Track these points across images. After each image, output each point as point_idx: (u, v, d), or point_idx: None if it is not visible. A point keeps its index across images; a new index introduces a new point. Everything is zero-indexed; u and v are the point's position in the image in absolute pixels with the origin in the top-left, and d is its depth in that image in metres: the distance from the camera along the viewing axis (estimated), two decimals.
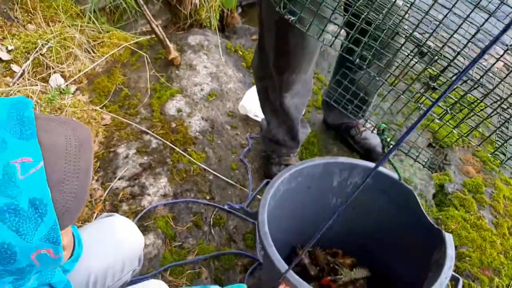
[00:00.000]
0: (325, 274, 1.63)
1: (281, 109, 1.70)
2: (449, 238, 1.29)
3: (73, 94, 2.33)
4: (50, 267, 0.79)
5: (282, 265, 1.13)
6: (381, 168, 1.46)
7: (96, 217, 1.72)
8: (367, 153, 2.11)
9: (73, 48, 2.53)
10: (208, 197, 1.87)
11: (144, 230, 1.70)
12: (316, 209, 1.58)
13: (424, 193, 2.03)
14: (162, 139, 2.06)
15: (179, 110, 2.24)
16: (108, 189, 1.83)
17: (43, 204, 0.67)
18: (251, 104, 2.22)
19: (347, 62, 1.76)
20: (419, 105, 0.97)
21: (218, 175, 1.96)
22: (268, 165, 1.99)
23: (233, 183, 1.95)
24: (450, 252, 1.26)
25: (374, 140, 2.09)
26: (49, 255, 0.72)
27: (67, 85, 2.35)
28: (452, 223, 1.88)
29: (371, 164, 1.47)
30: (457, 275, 1.26)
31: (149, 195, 1.83)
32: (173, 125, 2.15)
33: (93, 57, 2.60)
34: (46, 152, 0.68)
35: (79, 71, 2.46)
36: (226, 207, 1.83)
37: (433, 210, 1.95)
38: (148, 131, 2.09)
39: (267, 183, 1.44)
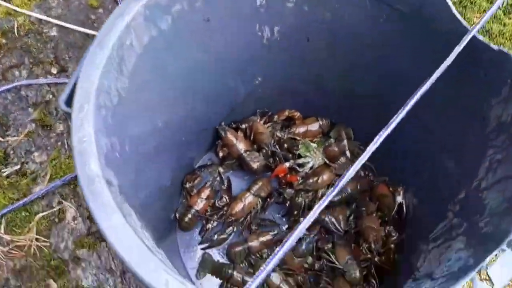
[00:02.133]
0: (278, 160, 0.93)
1: None
2: None
3: None
4: None
5: None
6: None
7: None
8: None
9: None
10: (55, 71, 1.05)
11: None
12: (235, 53, 0.79)
13: None
14: None
15: None
16: None
17: None
18: None
19: None
20: None
21: (68, 25, 1.10)
22: None
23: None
24: None
25: None
26: None
27: None
28: (474, 14, 1.12)
29: None
30: None
31: None
32: None
33: None
34: None
35: None
36: None
37: None
38: None
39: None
